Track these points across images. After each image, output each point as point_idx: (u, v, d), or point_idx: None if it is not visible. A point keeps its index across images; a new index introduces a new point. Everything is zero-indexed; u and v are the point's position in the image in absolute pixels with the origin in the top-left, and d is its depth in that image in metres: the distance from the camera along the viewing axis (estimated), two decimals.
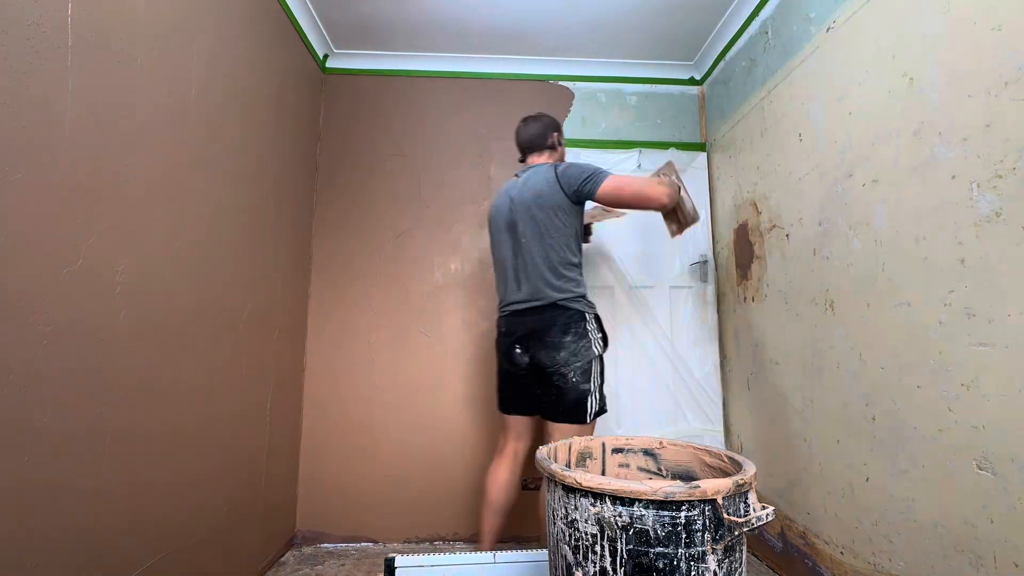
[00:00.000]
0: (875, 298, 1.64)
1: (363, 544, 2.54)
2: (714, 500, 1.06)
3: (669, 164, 2.13)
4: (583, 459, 1.60)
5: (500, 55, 2.87)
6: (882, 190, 1.62)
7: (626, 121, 2.95)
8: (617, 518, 1.07)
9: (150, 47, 1.41)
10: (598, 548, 1.09)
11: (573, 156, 2.87)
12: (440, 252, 2.77)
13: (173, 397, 1.53)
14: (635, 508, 1.06)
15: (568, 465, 1.46)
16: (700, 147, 2.91)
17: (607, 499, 1.08)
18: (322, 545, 2.52)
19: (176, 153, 1.54)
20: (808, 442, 1.96)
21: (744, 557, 1.17)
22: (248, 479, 2.02)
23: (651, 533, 1.05)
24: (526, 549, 2.30)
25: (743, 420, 2.50)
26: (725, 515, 1.06)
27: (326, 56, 2.83)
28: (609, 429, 2.69)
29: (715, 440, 2.62)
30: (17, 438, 1.03)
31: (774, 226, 2.23)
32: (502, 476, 2.02)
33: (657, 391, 2.68)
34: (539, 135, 2.07)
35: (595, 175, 1.84)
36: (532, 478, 1.45)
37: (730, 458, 1.33)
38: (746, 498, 1.16)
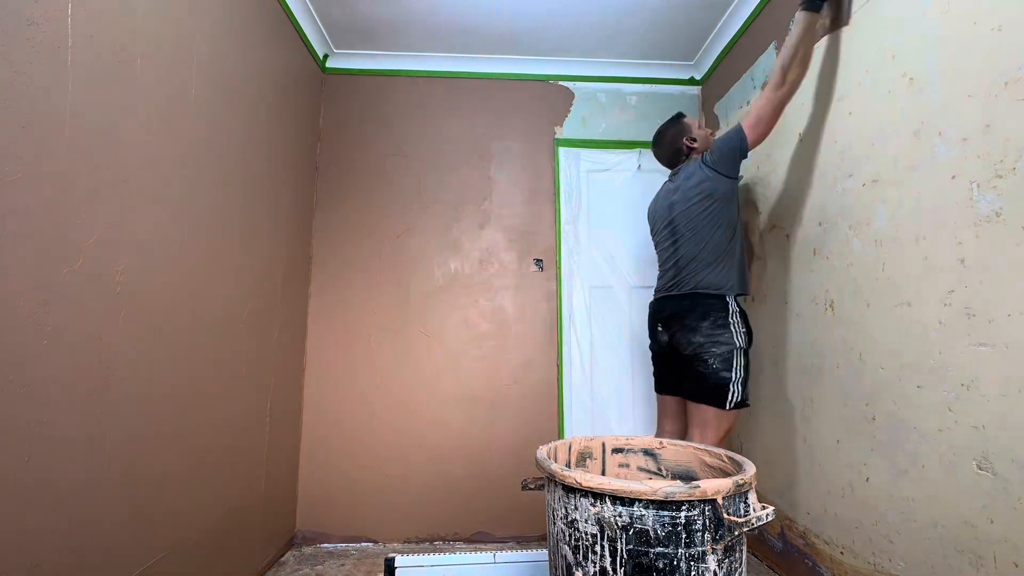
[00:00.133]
0: (875, 298, 1.64)
1: (363, 544, 2.54)
2: (714, 500, 1.07)
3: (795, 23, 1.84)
4: (583, 459, 1.60)
5: (500, 55, 2.87)
6: (882, 190, 1.62)
7: (626, 121, 2.95)
8: (617, 518, 1.07)
9: (150, 47, 1.42)
10: (598, 548, 1.09)
11: (573, 156, 2.88)
12: (440, 252, 2.77)
13: (173, 397, 1.53)
14: (635, 508, 1.06)
15: (568, 465, 1.46)
16: None
17: (607, 499, 1.08)
18: (322, 545, 2.52)
19: (176, 153, 1.54)
20: (808, 442, 1.96)
21: (744, 557, 1.17)
22: (248, 479, 2.02)
23: (651, 533, 1.05)
24: (526, 549, 2.31)
25: (743, 420, 2.50)
26: (725, 515, 1.06)
27: (326, 56, 2.83)
28: (609, 429, 2.70)
29: None
30: (17, 438, 1.03)
31: (774, 226, 2.23)
32: None
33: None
34: (674, 150, 2.17)
35: (734, 134, 1.90)
36: (532, 478, 1.45)
37: (730, 458, 1.33)
38: (746, 498, 1.16)
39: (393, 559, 1.68)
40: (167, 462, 1.51)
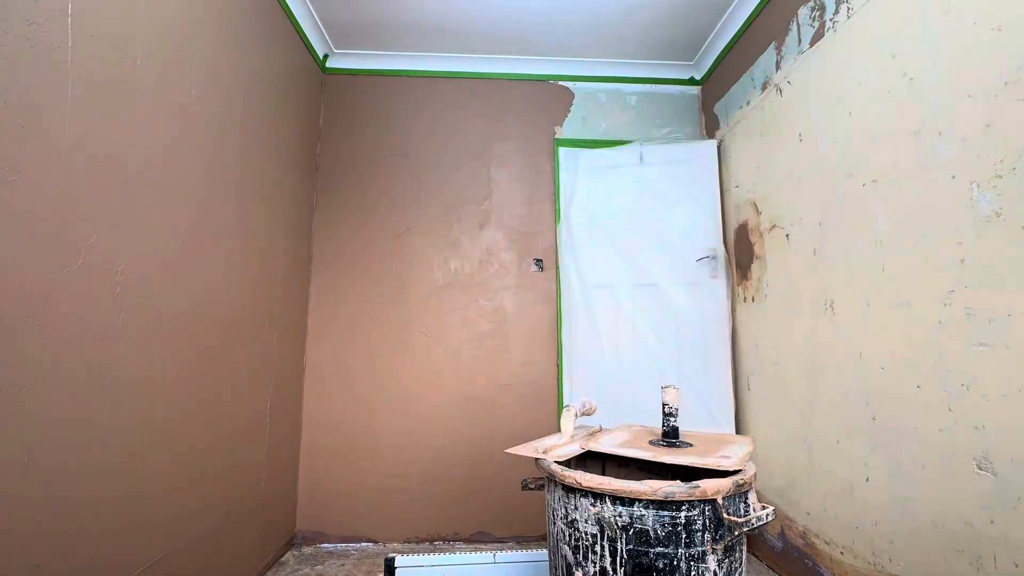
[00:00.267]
0: (875, 298, 1.64)
1: (363, 544, 2.54)
2: (714, 500, 1.07)
3: None
4: (583, 459, 1.60)
5: (500, 55, 2.87)
6: (882, 190, 1.62)
7: (626, 121, 2.95)
8: (617, 518, 1.07)
9: (150, 47, 1.41)
10: (598, 548, 1.09)
11: (573, 156, 2.87)
12: (440, 252, 2.77)
13: (173, 397, 1.53)
14: (635, 508, 1.06)
15: (568, 465, 1.46)
16: None
17: (607, 499, 1.09)
18: (322, 545, 2.52)
19: (175, 153, 1.54)
20: (808, 442, 1.96)
21: (744, 557, 1.18)
22: (248, 479, 2.02)
23: (651, 533, 1.05)
24: (526, 549, 2.31)
25: (743, 420, 2.50)
26: (725, 515, 1.06)
27: (326, 56, 2.83)
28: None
29: None
30: (17, 438, 1.03)
31: (774, 226, 2.23)
32: None
33: (657, 389, 2.67)
34: None
35: None
36: (532, 478, 1.45)
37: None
38: (746, 498, 1.16)
39: (393, 559, 1.68)
40: (167, 462, 1.51)
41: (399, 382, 2.66)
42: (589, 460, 1.62)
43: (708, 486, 1.06)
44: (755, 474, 1.20)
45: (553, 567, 1.25)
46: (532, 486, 1.46)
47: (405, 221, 2.78)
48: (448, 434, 2.64)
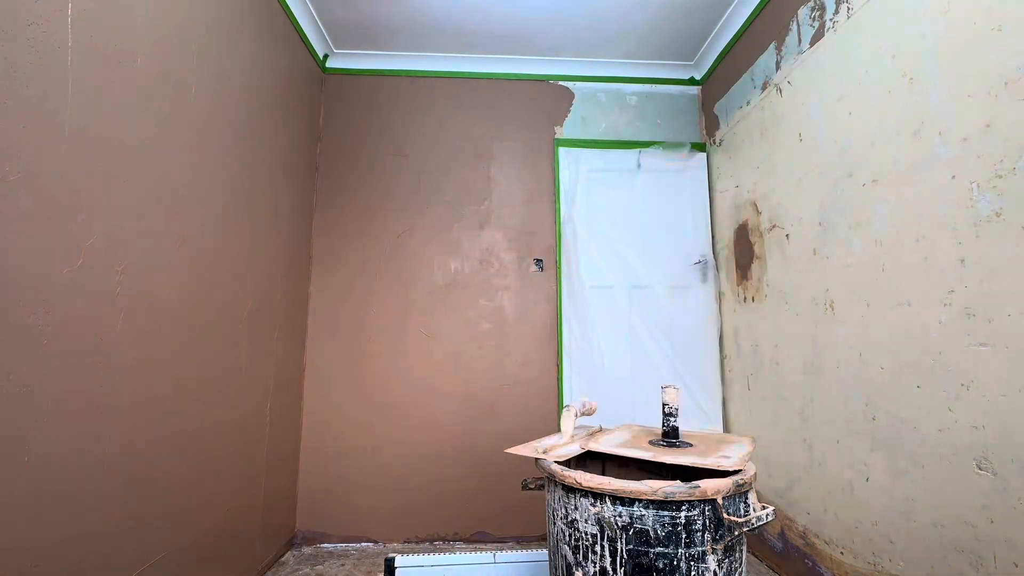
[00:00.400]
0: (875, 298, 1.64)
1: (363, 544, 2.54)
2: (714, 500, 1.07)
3: None
4: (583, 459, 1.60)
5: (500, 55, 2.87)
6: (882, 190, 1.62)
7: (626, 121, 2.95)
8: (617, 518, 1.07)
9: (150, 47, 1.41)
10: (598, 548, 1.10)
11: (573, 156, 2.87)
12: (440, 252, 2.77)
13: (172, 397, 1.53)
14: (635, 508, 1.06)
15: (568, 465, 1.46)
16: (700, 147, 2.91)
17: (607, 499, 1.09)
18: (322, 545, 2.52)
19: (176, 153, 1.54)
20: (808, 442, 1.96)
21: (744, 557, 1.18)
22: (248, 479, 2.02)
23: (651, 533, 1.05)
24: (526, 549, 2.31)
25: (743, 420, 2.50)
26: (725, 515, 1.06)
27: (326, 56, 2.83)
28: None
29: None
30: (17, 438, 1.03)
31: (774, 226, 2.23)
32: None
33: (657, 390, 2.68)
34: None
35: None
36: (532, 478, 1.45)
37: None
38: (746, 498, 1.16)
39: (393, 559, 1.68)
40: (167, 462, 1.51)
41: (399, 382, 2.66)
42: (589, 460, 1.62)
43: (708, 486, 1.06)
44: (755, 474, 1.20)
45: (553, 567, 1.25)
46: (532, 486, 1.46)
47: (405, 221, 2.78)
48: (448, 434, 2.64)
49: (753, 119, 2.40)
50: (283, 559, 2.36)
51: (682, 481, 1.08)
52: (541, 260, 2.81)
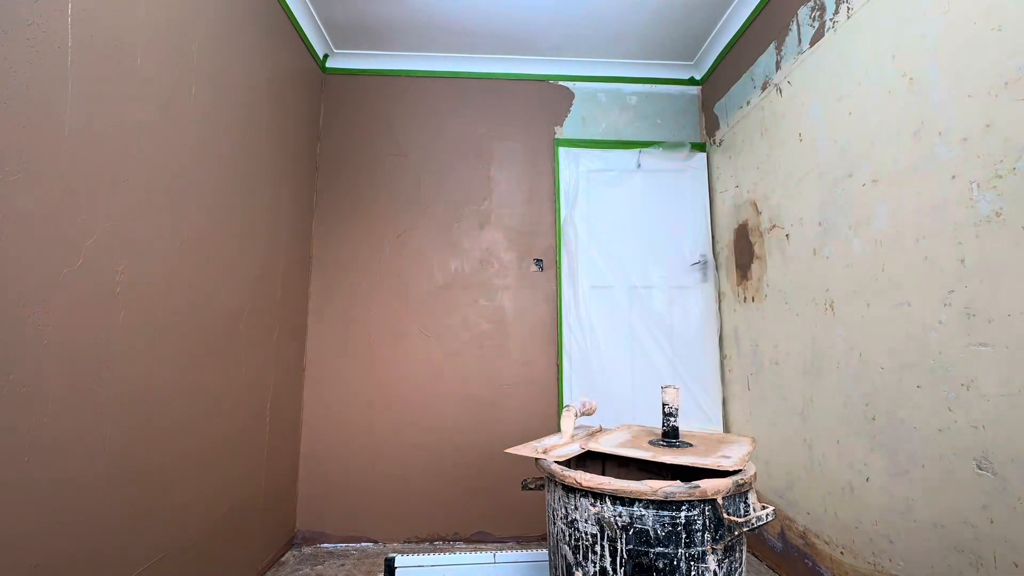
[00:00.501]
0: (875, 298, 1.64)
1: (363, 544, 2.54)
2: (714, 500, 1.07)
3: None
4: (583, 459, 1.60)
5: (500, 55, 2.87)
6: (882, 190, 1.62)
7: (626, 121, 2.95)
8: (617, 518, 1.07)
9: (150, 47, 1.41)
10: (598, 548, 1.10)
11: (573, 156, 2.87)
12: (440, 252, 2.77)
13: (172, 397, 1.53)
14: (635, 508, 1.06)
15: (568, 465, 1.46)
16: (700, 147, 2.91)
17: (607, 499, 1.09)
18: (322, 545, 2.52)
19: (176, 153, 1.54)
20: (808, 442, 1.96)
21: (744, 557, 1.18)
22: (248, 479, 2.02)
23: (651, 533, 1.05)
24: (526, 549, 2.31)
25: (743, 420, 2.50)
26: (725, 515, 1.06)
27: (326, 56, 2.83)
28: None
29: None
30: (17, 438, 1.03)
31: (774, 226, 2.23)
32: None
33: (657, 390, 2.68)
34: None
35: None
36: (532, 478, 1.45)
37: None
38: (746, 498, 1.16)
39: (393, 559, 1.68)
40: (167, 462, 1.51)
41: (399, 382, 2.66)
42: (589, 460, 1.62)
43: (708, 486, 1.06)
44: (755, 474, 1.20)
45: (553, 567, 1.25)
46: (532, 486, 1.46)
47: (405, 221, 2.78)
48: (448, 434, 2.64)
49: (753, 119, 2.40)
50: (283, 559, 2.36)
51: (682, 481, 1.08)
52: (541, 260, 2.81)
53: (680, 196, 2.86)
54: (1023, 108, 1.19)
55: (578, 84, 2.96)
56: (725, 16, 2.55)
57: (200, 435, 1.68)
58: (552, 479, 1.24)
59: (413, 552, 2.35)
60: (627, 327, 2.75)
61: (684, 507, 1.05)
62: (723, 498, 1.07)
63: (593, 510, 1.09)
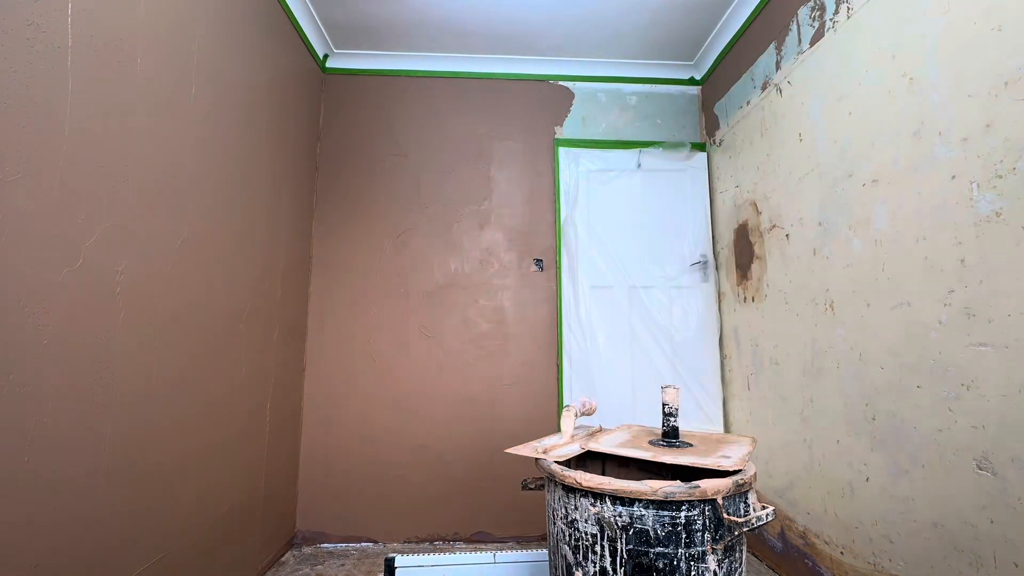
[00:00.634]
0: (875, 298, 1.64)
1: (363, 544, 2.54)
2: (714, 500, 1.07)
3: None
4: (583, 459, 1.60)
5: (500, 55, 2.87)
6: (882, 190, 1.62)
7: (626, 121, 2.95)
8: (617, 518, 1.07)
9: (150, 47, 1.41)
10: (598, 548, 1.10)
11: (573, 156, 2.87)
12: (440, 252, 2.77)
13: (172, 397, 1.53)
14: (635, 508, 1.06)
15: (568, 465, 1.46)
16: (700, 147, 2.91)
17: (607, 499, 1.09)
18: (322, 545, 2.52)
19: (176, 153, 1.54)
20: (808, 442, 1.96)
21: (744, 557, 1.18)
22: (248, 479, 2.02)
23: (651, 533, 1.05)
24: (526, 549, 2.31)
25: (743, 420, 2.50)
26: (725, 515, 1.06)
27: (326, 56, 2.83)
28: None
29: None
30: (17, 438, 1.03)
31: (774, 226, 2.23)
32: None
33: (657, 390, 2.68)
34: None
35: None
36: (532, 478, 1.45)
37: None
38: (746, 498, 1.16)
39: (393, 559, 1.68)
40: (167, 462, 1.51)
41: (399, 382, 2.66)
42: (589, 460, 1.62)
43: (708, 486, 1.06)
44: (755, 474, 1.20)
45: (553, 567, 1.25)
46: (532, 486, 1.46)
47: (405, 221, 2.78)
48: (448, 434, 2.64)
49: (753, 119, 2.40)
50: (283, 559, 2.36)
51: (682, 481, 1.08)
52: (541, 260, 2.81)
53: (680, 196, 2.86)
54: (1023, 108, 1.19)
55: (578, 84, 2.96)
56: (725, 16, 2.55)
57: (200, 435, 1.68)
58: (552, 479, 1.24)
59: (413, 552, 2.35)
60: (627, 327, 2.75)
61: (684, 507, 1.05)
62: (723, 498, 1.07)
63: (593, 510, 1.09)
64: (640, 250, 2.80)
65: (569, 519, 1.15)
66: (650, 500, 1.05)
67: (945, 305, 1.38)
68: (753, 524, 1.06)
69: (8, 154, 1.01)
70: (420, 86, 2.89)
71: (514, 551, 1.67)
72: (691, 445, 1.38)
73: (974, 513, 1.29)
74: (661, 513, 1.05)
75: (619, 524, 1.06)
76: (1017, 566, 1.18)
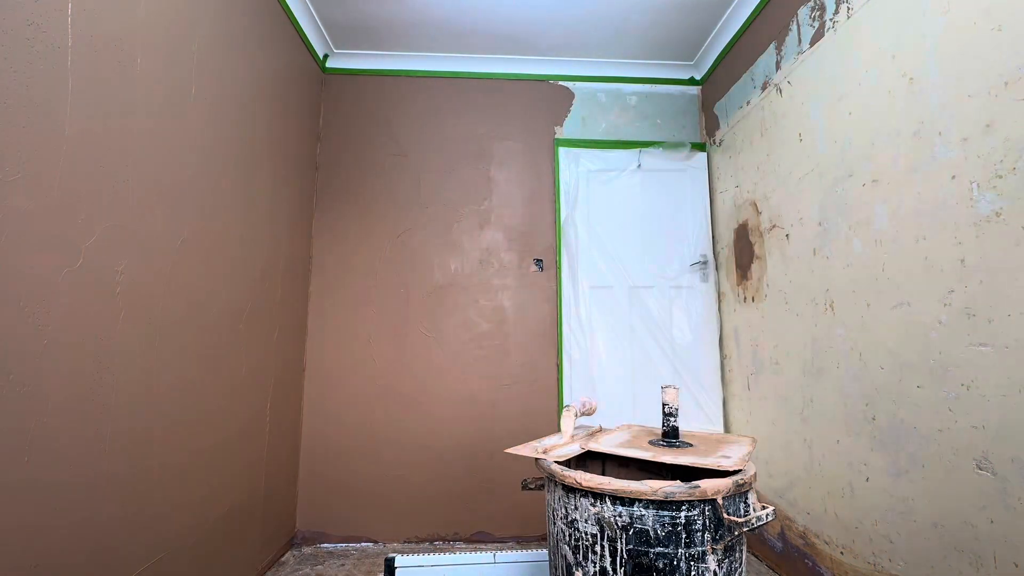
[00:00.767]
0: (875, 298, 1.64)
1: (363, 544, 2.54)
2: (714, 500, 1.07)
3: None
4: (583, 459, 1.60)
5: (500, 55, 2.87)
6: (882, 190, 1.62)
7: (626, 121, 2.95)
8: (617, 518, 1.07)
9: (150, 47, 1.41)
10: (598, 548, 1.10)
11: (573, 156, 2.87)
12: (440, 252, 2.77)
13: (172, 397, 1.53)
14: (635, 508, 1.06)
15: (568, 465, 1.46)
16: (700, 147, 2.91)
17: (607, 499, 1.09)
18: (322, 545, 2.52)
19: (176, 153, 1.54)
20: (808, 442, 1.96)
21: (744, 557, 1.18)
22: (248, 479, 2.02)
23: (651, 533, 1.05)
24: (526, 549, 2.31)
25: (743, 420, 2.50)
26: (725, 515, 1.06)
27: (326, 56, 2.83)
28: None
29: None
30: (17, 438, 1.03)
31: (774, 226, 2.23)
32: None
33: (657, 390, 2.68)
34: None
35: None
36: (532, 478, 1.45)
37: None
38: (746, 498, 1.16)
39: (393, 559, 1.68)
40: (167, 462, 1.51)
41: (399, 382, 2.66)
42: (589, 460, 1.62)
43: (708, 486, 1.06)
44: (755, 474, 1.20)
45: (553, 567, 1.25)
46: (532, 486, 1.46)
47: (405, 221, 2.78)
48: (448, 434, 2.64)
49: (753, 119, 2.40)
50: (283, 559, 2.36)
51: (682, 481, 1.08)
52: (541, 260, 2.81)
53: (680, 196, 2.86)
54: (1023, 108, 1.19)
55: (578, 84, 2.96)
56: (725, 16, 2.55)
57: (200, 435, 1.68)
58: (552, 479, 1.24)
59: (413, 552, 2.35)
60: (627, 327, 2.75)
61: (684, 507, 1.05)
62: (723, 498, 1.07)
63: (593, 510, 1.09)
64: (640, 250, 2.80)
65: (569, 519, 1.15)
66: (650, 500, 1.05)
67: (945, 305, 1.38)
68: (753, 524, 1.06)
69: (8, 154, 1.01)
70: (420, 86, 2.89)
71: (514, 551, 1.67)
72: (691, 445, 1.38)
73: (974, 513, 1.29)
74: (661, 513, 1.05)
75: (619, 524, 1.06)
76: (1017, 566, 1.18)
